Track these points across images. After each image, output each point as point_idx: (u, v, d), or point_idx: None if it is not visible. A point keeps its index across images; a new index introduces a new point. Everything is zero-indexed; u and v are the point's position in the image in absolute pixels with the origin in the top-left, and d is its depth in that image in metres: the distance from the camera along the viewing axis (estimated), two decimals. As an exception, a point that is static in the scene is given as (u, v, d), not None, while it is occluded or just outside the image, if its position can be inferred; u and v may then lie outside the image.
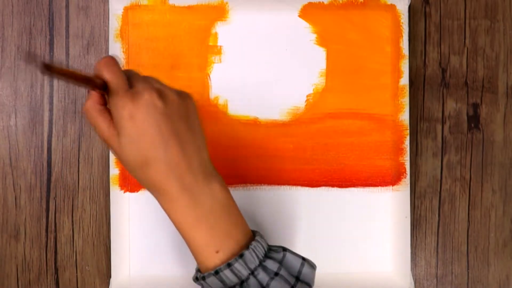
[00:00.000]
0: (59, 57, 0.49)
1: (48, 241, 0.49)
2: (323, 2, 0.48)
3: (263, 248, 0.36)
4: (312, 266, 0.37)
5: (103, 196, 0.49)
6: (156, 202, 0.47)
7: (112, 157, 0.47)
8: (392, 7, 0.48)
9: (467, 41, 0.50)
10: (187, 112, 0.35)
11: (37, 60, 0.29)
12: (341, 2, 0.48)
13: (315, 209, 0.48)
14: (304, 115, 0.48)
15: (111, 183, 0.47)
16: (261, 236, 0.36)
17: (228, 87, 0.48)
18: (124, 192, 0.47)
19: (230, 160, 0.47)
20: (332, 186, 0.48)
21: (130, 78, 0.34)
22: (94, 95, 0.34)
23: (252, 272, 0.34)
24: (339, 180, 0.48)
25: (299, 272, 0.36)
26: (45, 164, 0.49)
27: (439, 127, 0.50)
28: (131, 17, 0.47)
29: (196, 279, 0.37)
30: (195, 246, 0.35)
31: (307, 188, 0.48)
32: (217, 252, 0.34)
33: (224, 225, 0.35)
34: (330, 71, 0.48)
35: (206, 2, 0.47)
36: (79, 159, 0.49)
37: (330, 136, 0.48)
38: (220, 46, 0.48)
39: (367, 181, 0.48)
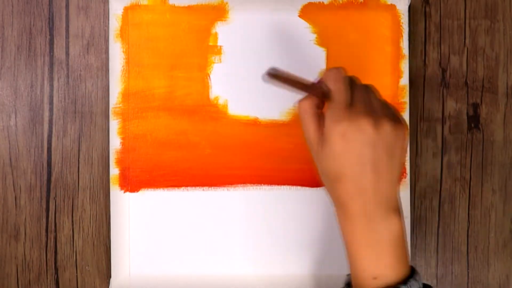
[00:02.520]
0: (59, 57, 0.49)
1: (48, 241, 0.49)
2: (323, 2, 0.48)
3: None
4: None
5: (103, 196, 0.49)
6: (156, 202, 0.47)
7: (112, 157, 0.47)
8: (392, 7, 0.48)
9: (467, 41, 0.50)
10: (395, 145, 0.35)
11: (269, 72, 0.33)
12: (341, 2, 0.48)
13: (315, 209, 0.48)
14: (304, 115, 0.48)
15: (111, 183, 0.47)
16: (419, 277, 0.37)
17: (228, 87, 0.48)
18: (124, 192, 0.47)
19: (230, 160, 0.47)
20: (332, 186, 0.48)
21: (353, 91, 0.36)
22: (313, 98, 0.36)
23: None
24: (339, 180, 0.48)
25: None
26: (45, 164, 0.49)
27: (439, 127, 0.50)
28: (131, 17, 0.47)
29: None
30: (356, 266, 0.36)
31: (307, 188, 0.48)
32: (374, 278, 0.36)
33: (389, 256, 0.36)
34: (330, 71, 0.48)
35: (206, 2, 0.47)
36: (79, 159, 0.49)
37: (330, 136, 0.48)
38: (220, 46, 0.48)
39: (367, 181, 0.48)
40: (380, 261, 0.35)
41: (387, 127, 0.35)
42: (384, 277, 0.35)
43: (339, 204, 0.36)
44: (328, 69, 0.37)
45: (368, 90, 0.37)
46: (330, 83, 0.36)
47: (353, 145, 0.34)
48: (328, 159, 0.35)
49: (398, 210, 0.36)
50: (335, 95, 0.36)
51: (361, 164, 0.34)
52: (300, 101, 0.37)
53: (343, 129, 0.34)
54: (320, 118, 0.36)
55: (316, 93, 0.36)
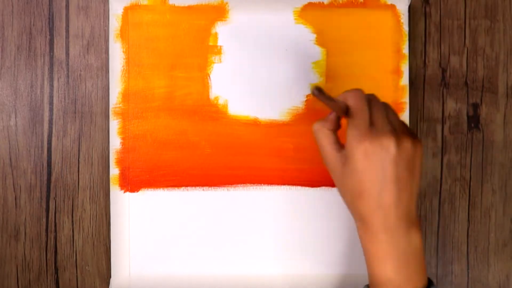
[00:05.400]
0: (59, 57, 0.49)
1: (48, 241, 0.49)
2: (323, 2, 0.48)
3: None
4: None
5: (103, 196, 0.49)
6: (156, 202, 0.47)
7: (112, 157, 0.47)
8: (392, 7, 0.48)
9: (467, 41, 0.50)
10: (414, 160, 0.37)
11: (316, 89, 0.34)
12: (341, 2, 0.48)
13: (315, 209, 0.48)
14: (304, 115, 0.48)
15: (111, 183, 0.47)
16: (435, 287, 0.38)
17: (228, 87, 0.48)
18: (124, 192, 0.47)
19: (230, 160, 0.47)
20: (332, 186, 0.48)
21: (372, 110, 0.37)
22: (330, 120, 0.38)
23: None
24: (339, 180, 0.48)
25: None
26: (45, 164, 0.49)
27: (439, 127, 0.50)
28: (131, 17, 0.47)
29: None
30: (377, 280, 0.37)
31: (307, 188, 0.48)
32: None
33: (409, 269, 0.36)
34: (330, 71, 0.48)
35: (206, 2, 0.47)
36: (79, 159, 0.49)
37: (330, 136, 0.48)
38: (220, 46, 0.48)
39: (367, 181, 0.48)
40: (400, 274, 0.36)
41: (407, 144, 0.36)
42: None
43: (361, 220, 0.37)
44: (347, 90, 0.38)
45: (386, 107, 0.38)
46: (350, 102, 0.37)
47: (375, 163, 0.35)
48: (350, 177, 0.36)
49: (417, 223, 0.37)
50: (356, 114, 0.37)
51: (383, 181, 0.35)
52: (315, 124, 0.38)
53: (366, 148, 0.35)
54: (334, 138, 0.38)
55: (339, 112, 0.37)
